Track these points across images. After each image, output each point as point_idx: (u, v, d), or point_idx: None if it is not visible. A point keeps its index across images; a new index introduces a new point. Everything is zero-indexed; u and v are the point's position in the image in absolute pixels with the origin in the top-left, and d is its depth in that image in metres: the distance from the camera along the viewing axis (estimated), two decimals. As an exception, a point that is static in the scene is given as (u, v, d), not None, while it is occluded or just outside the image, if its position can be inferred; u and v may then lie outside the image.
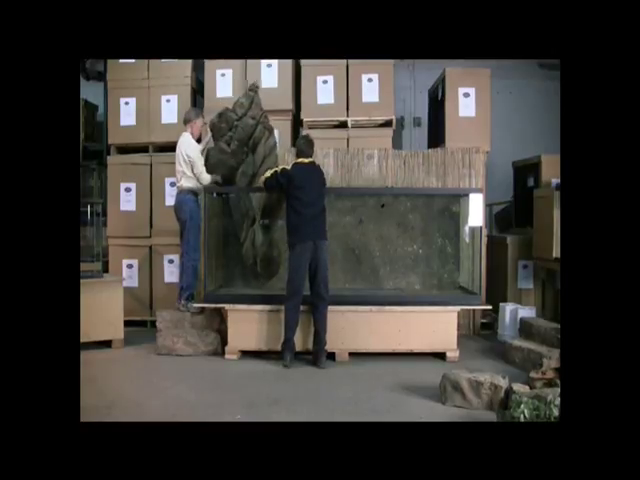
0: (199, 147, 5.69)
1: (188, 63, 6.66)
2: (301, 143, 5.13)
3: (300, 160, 5.05)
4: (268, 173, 5.10)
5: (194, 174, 5.53)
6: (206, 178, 5.51)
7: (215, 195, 5.67)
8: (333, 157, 6.12)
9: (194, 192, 5.61)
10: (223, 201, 5.84)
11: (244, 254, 5.62)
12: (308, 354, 5.05)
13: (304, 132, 6.17)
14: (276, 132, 5.90)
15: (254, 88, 5.66)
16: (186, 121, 5.72)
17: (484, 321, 6.32)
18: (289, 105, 6.53)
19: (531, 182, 6.74)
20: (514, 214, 7.34)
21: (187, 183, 5.57)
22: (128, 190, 6.61)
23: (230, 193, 5.71)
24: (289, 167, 5.04)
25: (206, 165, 5.54)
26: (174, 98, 6.62)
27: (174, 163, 5.73)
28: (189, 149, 5.54)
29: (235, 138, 5.49)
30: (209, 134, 5.75)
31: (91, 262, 5.58)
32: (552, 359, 4.21)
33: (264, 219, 5.63)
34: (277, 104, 6.30)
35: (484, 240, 6.05)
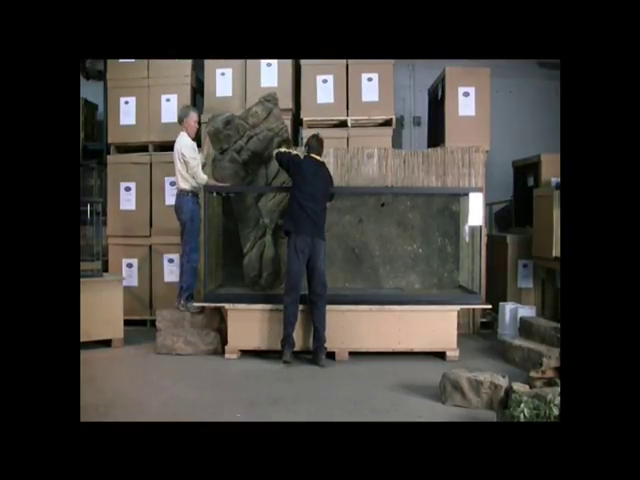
0: (199, 153, 5.66)
1: (188, 62, 6.65)
2: (313, 140, 5.16)
3: (312, 155, 5.09)
4: (283, 149, 5.16)
5: (189, 174, 5.51)
6: (202, 178, 5.49)
7: (215, 194, 5.66)
8: (333, 156, 6.13)
9: (194, 193, 5.59)
10: (224, 202, 5.81)
11: (246, 264, 5.52)
12: (308, 353, 5.05)
13: (310, 130, 6.17)
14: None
15: (274, 100, 5.57)
16: (180, 120, 5.70)
17: (484, 320, 6.32)
18: (289, 104, 6.53)
19: (531, 181, 6.75)
20: (514, 213, 7.35)
21: (186, 184, 5.54)
22: (128, 189, 6.61)
23: (236, 201, 5.66)
24: (302, 156, 5.09)
25: (215, 175, 5.51)
26: (174, 97, 6.61)
27: (173, 162, 5.73)
28: (184, 148, 5.50)
29: (249, 149, 5.41)
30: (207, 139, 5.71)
31: (91, 261, 5.57)
32: (552, 358, 4.21)
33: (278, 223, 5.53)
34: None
35: (484, 239, 6.05)
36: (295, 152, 5.16)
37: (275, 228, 5.56)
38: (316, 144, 5.12)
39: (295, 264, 4.89)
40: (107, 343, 5.50)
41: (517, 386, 3.70)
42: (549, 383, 3.93)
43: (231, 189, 5.59)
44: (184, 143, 5.54)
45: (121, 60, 6.57)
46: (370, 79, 6.48)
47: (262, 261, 5.51)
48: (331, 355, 5.05)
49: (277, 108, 5.59)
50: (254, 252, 5.52)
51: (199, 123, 5.87)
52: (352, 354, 5.11)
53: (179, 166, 5.53)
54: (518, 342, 5.05)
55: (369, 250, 6.01)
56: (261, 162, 5.54)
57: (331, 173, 5.36)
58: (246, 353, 5.19)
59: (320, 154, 5.15)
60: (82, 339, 4.10)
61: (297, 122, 6.78)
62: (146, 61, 6.61)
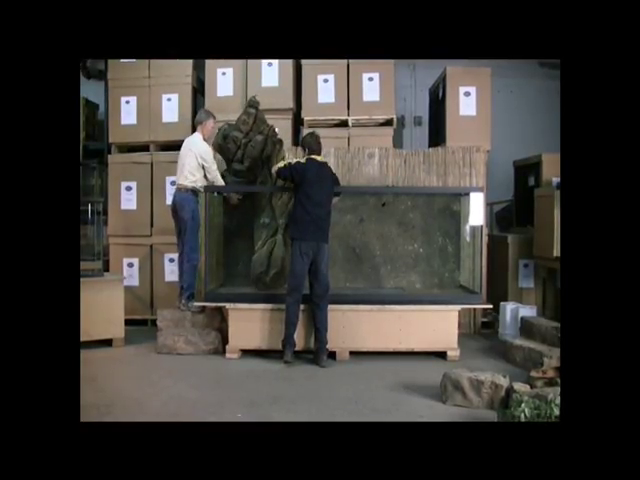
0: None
1: (189, 62, 6.65)
2: (311, 141, 5.12)
3: (313, 157, 5.05)
4: (281, 164, 5.12)
5: (207, 178, 5.53)
6: (221, 181, 5.55)
7: (216, 194, 5.66)
8: (334, 156, 6.11)
9: (195, 192, 5.59)
10: (225, 202, 5.82)
11: (254, 259, 5.54)
12: (309, 353, 5.05)
13: (310, 130, 6.15)
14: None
15: (255, 104, 5.59)
16: (198, 123, 5.72)
17: (485, 320, 6.32)
18: (290, 104, 6.53)
19: (532, 181, 6.74)
20: (515, 213, 7.34)
21: (190, 182, 5.53)
22: (129, 189, 6.61)
23: (251, 201, 5.69)
24: (303, 160, 5.05)
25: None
26: (175, 97, 6.62)
27: (175, 162, 5.73)
28: (204, 153, 5.51)
29: (247, 156, 5.47)
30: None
31: (92, 261, 5.58)
32: (553, 358, 4.22)
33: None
34: (278, 103, 6.30)
35: (485, 239, 6.04)
36: (295, 160, 5.11)
37: (285, 227, 5.57)
38: (315, 145, 5.09)
39: (299, 265, 4.89)
40: (108, 343, 5.50)
41: (518, 386, 3.70)
42: (550, 383, 3.93)
43: (231, 189, 5.61)
44: (203, 148, 5.55)
45: (122, 60, 6.57)
46: (371, 79, 6.48)
47: (271, 259, 5.51)
48: (332, 355, 5.05)
49: (260, 112, 5.62)
50: (264, 249, 5.54)
51: None
52: (353, 354, 5.11)
53: (193, 165, 5.51)
54: (519, 342, 5.05)
55: (370, 250, 6.01)
56: (263, 164, 5.58)
57: (332, 173, 5.36)
58: (247, 353, 5.19)
59: (320, 153, 5.14)
60: (83, 339, 4.11)
61: (298, 122, 6.77)
62: (147, 61, 6.61)
